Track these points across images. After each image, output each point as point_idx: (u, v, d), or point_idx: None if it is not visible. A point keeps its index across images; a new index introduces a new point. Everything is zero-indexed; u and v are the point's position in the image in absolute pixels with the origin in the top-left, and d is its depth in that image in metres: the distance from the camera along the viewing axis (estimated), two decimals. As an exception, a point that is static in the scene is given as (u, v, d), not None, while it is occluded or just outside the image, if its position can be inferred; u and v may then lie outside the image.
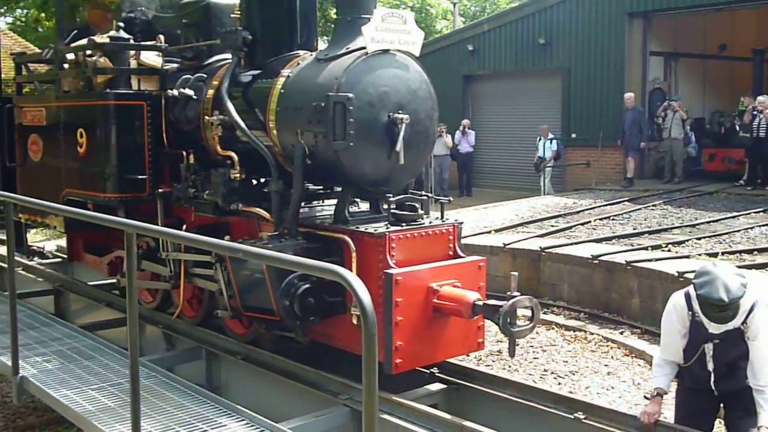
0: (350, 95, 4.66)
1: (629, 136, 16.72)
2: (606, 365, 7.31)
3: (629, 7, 17.98)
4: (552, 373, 7.05)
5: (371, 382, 2.55)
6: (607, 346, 7.88)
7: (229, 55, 5.89)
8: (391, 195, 4.94)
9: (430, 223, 4.99)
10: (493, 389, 4.95)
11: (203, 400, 4.71)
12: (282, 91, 5.10)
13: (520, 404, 4.76)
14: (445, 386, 5.09)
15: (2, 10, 29.04)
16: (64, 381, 5.09)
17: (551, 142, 18.14)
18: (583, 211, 13.20)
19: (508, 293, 4.51)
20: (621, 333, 8.23)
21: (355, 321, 4.65)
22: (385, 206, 5.01)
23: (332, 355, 5.10)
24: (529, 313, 4.73)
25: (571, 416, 4.47)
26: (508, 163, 21.24)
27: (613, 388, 6.73)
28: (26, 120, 6.98)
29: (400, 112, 4.82)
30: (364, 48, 4.84)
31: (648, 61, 18.32)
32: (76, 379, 5.12)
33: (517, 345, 4.73)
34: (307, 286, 4.59)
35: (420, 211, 4.97)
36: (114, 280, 6.98)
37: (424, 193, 5.24)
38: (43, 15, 27.19)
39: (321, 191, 5.64)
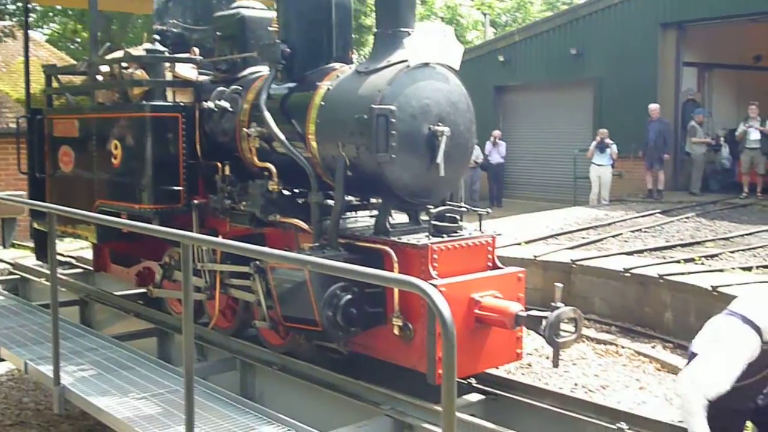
0: (393, 107, 4.70)
1: (653, 148, 16.61)
2: (638, 380, 7.24)
3: (662, 18, 17.89)
4: (582, 386, 7.01)
5: (450, 389, 2.59)
6: (639, 360, 7.80)
7: (262, 68, 5.97)
8: (431, 206, 4.98)
9: (470, 234, 5.03)
10: (533, 399, 4.95)
11: (247, 411, 4.73)
12: (322, 103, 5.15)
13: (561, 414, 4.75)
14: (483, 396, 5.10)
15: (40, 23, 29.22)
16: (105, 391, 5.10)
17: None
18: (614, 223, 13.05)
19: (552, 304, 4.54)
20: (653, 347, 8.16)
21: (396, 332, 4.68)
22: (425, 218, 5.05)
23: (370, 365, 5.12)
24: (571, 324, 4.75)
25: (614, 426, 4.47)
26: (539, 173, 21.22)
27: (645, 402, 6.68)
28: (57, 131, 7.02)
29: (440, 124, 4.86)
30: (405, 61, 4.89)
31: (681, 72, 18.22)
32: (116, 388, 5.14)
33: (561, 357, 4.76)
34: (349, 296, 4.62)
35: (460, 223, 5.03)
36: (143, 290, 7.01)
37: (463, 204, 5.28)
38: (80, 27, 27.37)
39: (357, 202, 5.68)
